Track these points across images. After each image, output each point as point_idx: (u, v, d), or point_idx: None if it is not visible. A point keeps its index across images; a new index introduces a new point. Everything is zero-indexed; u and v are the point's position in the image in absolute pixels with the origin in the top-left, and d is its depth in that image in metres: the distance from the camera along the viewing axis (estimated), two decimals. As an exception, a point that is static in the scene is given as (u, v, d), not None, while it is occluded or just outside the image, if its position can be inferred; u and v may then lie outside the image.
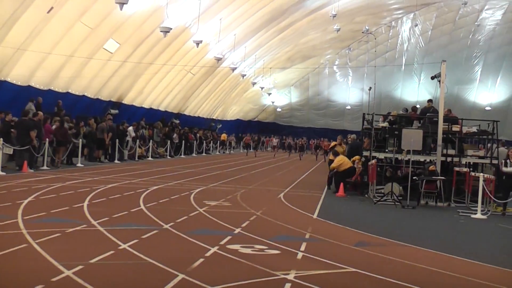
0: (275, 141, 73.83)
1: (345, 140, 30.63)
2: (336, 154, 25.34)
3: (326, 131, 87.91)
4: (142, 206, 16.41)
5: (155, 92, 52.35)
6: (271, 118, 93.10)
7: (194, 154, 53.19)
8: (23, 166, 24.99)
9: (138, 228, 12.75)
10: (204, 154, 54.84)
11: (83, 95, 41.82)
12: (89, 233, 11.91)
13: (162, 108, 56.19)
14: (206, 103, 68.38)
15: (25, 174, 23.71)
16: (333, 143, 28.24)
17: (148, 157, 41.85)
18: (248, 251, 11.19)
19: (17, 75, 33.49)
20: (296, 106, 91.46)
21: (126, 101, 48.39)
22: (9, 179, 21.16)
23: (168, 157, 45.78)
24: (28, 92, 34.43)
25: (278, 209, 17.77)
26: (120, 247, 10.71)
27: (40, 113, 27.89)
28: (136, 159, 38.06)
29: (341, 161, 24.24)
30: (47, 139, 26.99)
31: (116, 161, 35.19)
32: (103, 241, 11.17)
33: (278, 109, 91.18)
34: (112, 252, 10.24)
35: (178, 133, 50.28)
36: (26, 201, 15.75)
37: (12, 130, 25.79)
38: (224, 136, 69.20)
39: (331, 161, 25.91)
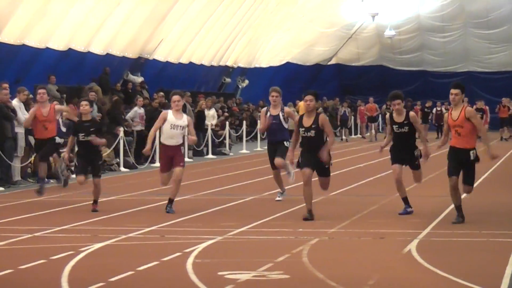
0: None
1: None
2: None
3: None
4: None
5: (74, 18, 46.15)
6: (371, 56, 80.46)
7: (188, 158, 45.56)
8: None
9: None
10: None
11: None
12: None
13: (97, 50, 49.01)
14: (206, 32, 59.13)
15: None
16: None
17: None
18: None
19: None
20: (432, 22, 76.98)
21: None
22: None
23: (122, 168, 39.73)
24: None
25: (406, 282, 14.67)
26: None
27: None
28: None
29: None
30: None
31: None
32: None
33: (388, 33, 76.97)
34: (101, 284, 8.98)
35: (144, 107, 43.69)
36: None
37: None
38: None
39: None
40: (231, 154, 51.08)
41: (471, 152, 19.20)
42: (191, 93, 52.33)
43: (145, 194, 28.61)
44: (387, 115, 22.32)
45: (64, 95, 40.70)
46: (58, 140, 28.05)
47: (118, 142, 39.49)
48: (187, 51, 58.80)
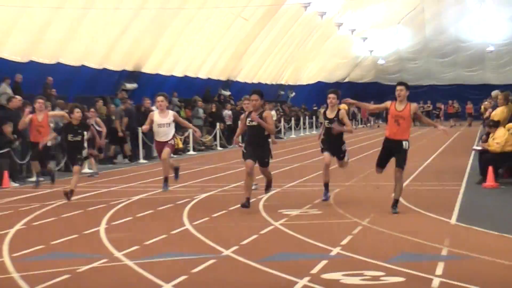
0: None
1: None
2: (495, 125, 20.13)
3: (457, 89, 73.86)
4: (187, 225, 13.51)
5: (189, 52, 44.00)
6: (370, 76, 79.30)
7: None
8: (2, 179, 21.20)
9: (185, 258, 10.56)
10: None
11: (82, 66, 34.59)
12: (112, 271, 9.92)
13: (202, 76, 47.51)
14: (269, 63, 58.20)
15: (7, 190, 20.20)
16: (485, 105, 25.61)
17: (188, 150, 34.78)
18: (355, 280, 9.01)
19: None
20: (407, 55, 76.73)
21: (148, 69, 40.10)
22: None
23: (219, 148, 38.09)
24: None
25: (394, 214, 14.60)
26: None
27: (18, 97, 23.87)
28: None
29: (508, 139, 19.52)
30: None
31: (141, 160, 29.58)
32: (134, 281, 9.34)
33: (380, 61, 77.35)
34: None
35: (231, 110, 43.15)
36: (12, 231, 13.27)
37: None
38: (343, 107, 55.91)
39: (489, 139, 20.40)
40: (284, 138, 49.96)
41: (404, 142, 14.71)
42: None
43: (234, 163, 27.22)
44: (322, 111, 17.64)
45: (183, 104, 39.43)
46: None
47: (216, 132, 38.46)
48: (257, 75, 57.70)
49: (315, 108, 66.18)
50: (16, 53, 30.38)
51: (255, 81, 57.87)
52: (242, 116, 16.61)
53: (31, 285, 9.12)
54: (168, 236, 12.47)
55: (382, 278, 9.19)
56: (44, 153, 19.09)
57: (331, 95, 16.47)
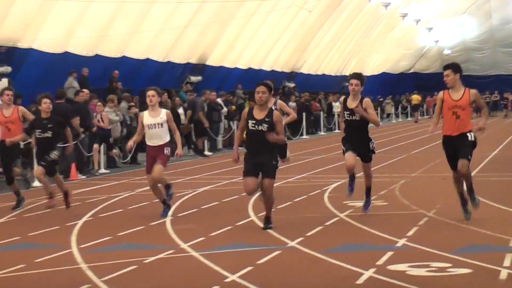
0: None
1: None
2: None
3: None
4: (252, 216, 13.64)
5: (253, 44, 44.04)
6: (435, 67, 74.84)
7: (321, 133, 45.25)
8: (70, 172, 21.11)
9: (250, 250, 10.60)
10: (337, 130, 46.08)
11: (147, 59, 35.00)
12: (178, 262, 10.03)
13: (266, 68, 47.60)
14: (333, 54, 57.53)
15: (74, 182, 19.98)
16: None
17: None
18: (421, 272, 8.93)
19: (47, 40, 28.44)
20: (473, 44, 74.70)
21: (212, 61, 40.39)
22: (52, 191, 16.93)
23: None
24: (65, 62, 28.80)
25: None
26: (227, 280, 8.87)
27: (85, 90, 23.47)
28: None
29: None
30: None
31: (206, 152, 29.42)
32: (200, 272, 9.41)
33: (446, 51, 74.57)
34: (216, 287, 8.57)
35: (296, 102, 42.58)
36: (80, 222, 13.47)
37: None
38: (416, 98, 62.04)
39: None
40: None
41: (469, 134, 12.08)
42: (324, 94, 51.01)
43: (299, 154, 27.07)
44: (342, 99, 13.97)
45: (247, 96, 38.58)
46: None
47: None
48: (321, 66, 57.37)
49: (380, 99, 65.55)
50: (82, 47, 30.75)
51: (319, 72, 57.64)
52: (243, 113, 12.43)
53: (99, 275, 9.21)
54: (233, 228, 12.51)
55: (448, 269, 9.11)
56: (10, 154, 15.63)
57: (354, 81, 13.27)
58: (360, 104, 13.00)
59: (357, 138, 13.26)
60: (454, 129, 12.21)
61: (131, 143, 14.54)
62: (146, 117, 14.02)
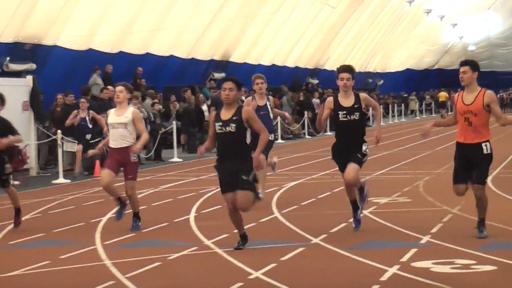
0: None
1: None
2: None
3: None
4: (275, 213, 13.53)
5: (277, 41, 43.88)
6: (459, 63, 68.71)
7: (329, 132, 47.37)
8: (94, 169, 20.87)
9: (274, 246, 10.58)
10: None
11: (170, 56, 34.77)
12: (202, 259, 10.02)
13: (290, 64, 47.63)
14: (356, 50, 57.26)
15: (99, 179, 17.09)
16: None
17: (276, 139, 33.18)
18: (445, 269, 8.91)
19: (71, 37, 28.43)
20: (498, 40, 74.00)
21: (236, 58, 40.31)
22: (77, 188, 18.19)
23: (307, 136, 38.17)
24: (89, 59, 28.87)
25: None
26: (251, 276, 8.84)
27: (110, 87, 23.28)
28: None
29: None
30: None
31: None
32: (224, 269, 9.40)
33: (470, 48, 74.46)
34: (240, 284, 8.48)
35: (319, 98, 42.70)
36: (104, 219, 13.53)
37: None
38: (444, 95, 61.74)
39: None
40: (372, 126, 47.57)
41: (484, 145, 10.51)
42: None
43: (322, 151, 26.64)
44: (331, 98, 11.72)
45: (270, 92, 38.46)
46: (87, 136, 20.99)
47: (304, 121, 38.54)
48: (345, 62, 56.08)
49: (404, 95, 65.47)
50: (106, 44, 30.86)
51: (343, 69, 58.08)
52: (211, 115, 10.89)
53: (123, 272, 9.23)
54: (257, 224, 12.46)
55: (473, 266, 9.07)
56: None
57: (345, 75, 11.52)
58: (360, 115, 11.23)
59: (351, 143, 11.21)
60: (466, 136, 10.70)
61: (104, 142, 13.06)
62: (111, 115, 12.40)
